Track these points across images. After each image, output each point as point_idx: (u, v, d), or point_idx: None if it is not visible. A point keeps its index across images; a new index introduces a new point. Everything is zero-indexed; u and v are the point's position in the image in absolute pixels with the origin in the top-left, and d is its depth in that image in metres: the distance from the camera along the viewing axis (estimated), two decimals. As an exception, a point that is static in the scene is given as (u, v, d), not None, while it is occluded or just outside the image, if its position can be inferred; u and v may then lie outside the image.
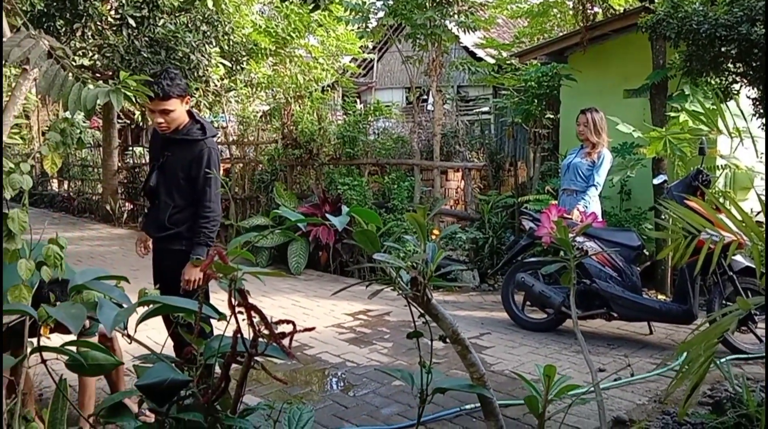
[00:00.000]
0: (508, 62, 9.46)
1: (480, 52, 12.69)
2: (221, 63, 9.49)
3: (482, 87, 12.91)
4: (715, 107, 3.26)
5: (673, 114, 5.44)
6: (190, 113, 3.39)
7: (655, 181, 5.68)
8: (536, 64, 8.30)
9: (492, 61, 10.15)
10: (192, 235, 3.30)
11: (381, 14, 8.45)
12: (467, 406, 3.42)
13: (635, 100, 6.46)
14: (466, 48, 13.13)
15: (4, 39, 2.93)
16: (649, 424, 3.19)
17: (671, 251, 2.66)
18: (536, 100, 7.85)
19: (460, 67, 8.95)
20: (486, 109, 12.44)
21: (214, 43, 9.25)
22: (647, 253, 5.65)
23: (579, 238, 4.61)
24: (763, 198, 4.46)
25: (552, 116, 7.84)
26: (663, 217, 4.82)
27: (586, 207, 5.17)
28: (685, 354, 2.42)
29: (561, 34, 9.01)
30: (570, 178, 5.49)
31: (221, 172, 3.48)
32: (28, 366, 1.36)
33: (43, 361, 1.26)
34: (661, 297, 5.75)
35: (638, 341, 4.86)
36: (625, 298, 4.72)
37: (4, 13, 3.18)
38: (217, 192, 3.32)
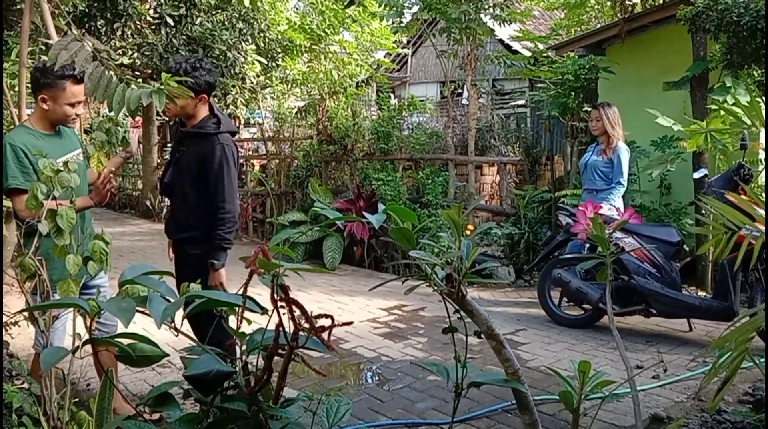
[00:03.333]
0: (545, 55, 9.36)
1: (516, 45, 12.58)
2: (257, 60, 9.62)
3: (518, 80, 12.81)
4: (758, 100, 3.20)
5: (714, 107, 5.33)
6: (210, 109, 3.23)
7: (696, 176, 5.57)
8: (573, 57, 8.20)
9: (528, 53, 10.07)
10: (209, 239, 3.10)
11: (415, 9, 8.46)
12: (503, 404, 3.43)
13: (675, 93, 6.33)
14: (501, 41, 13.02)
15: (52, 41, 3.04)
16: (687, 422, 3.15)
17: (711, 247, 2.62)
18: (573, 93, 7.76)
19: (496, 60, 8.90)
20: (522, 102, 12.34)
21: (250, 41, 9.38)
22: (687, 249, 5.55)
23: (616, 234, 4.56)
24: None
25: (589, 109, 7.74)
26: (703, 212, 4.73)
27: (611, 207, 5.14)
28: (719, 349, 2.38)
29: (599, 25, 8.89)
30: (589, 177, 5.49)
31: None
32: (80, 357, 1.42)
33: (94, 353, 1.32)
34: (701, 293, 5.65)
35: (677, 338, 4.79)
36: (664, 295, 4.65)
37: (50, 15, 3.30)
38: (232, 191, 3.12)
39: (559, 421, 3.26)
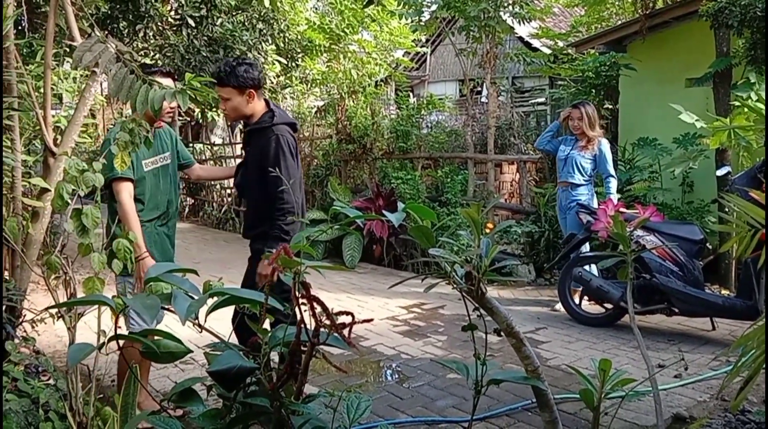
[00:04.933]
0: (565, 52, 9.31)
1: (535, 43, 12.51)
2: (277, 60, 9.68)
3: (538, 78, 12.75)
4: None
5: (737, 103, 5.26)
6: (267, 103, 3.22)
7: (719, 173, 5.51)
8: (594, 54, 8.14)
9: (548, 51, 10.01)
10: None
11: (434, 7, 8.45)
12: (523, 402, 3.43)
13: (697, 89, 6.26)
14: (521, 38, 12.96)
15: (76, 43, 3.09)
16: (710, 422, 3.12)
17: (735, 245, 2.59)
18: (594, 91, 7.71)
19: (515, 58, 8.86)
20: (542, 100, 12.27)
21: (270, 41, 9.44)
22: (710, 247, 5.50)
23: (638, 232, 4.53)
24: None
25: (611, 107, 7.67)
26: (726, 210, 4.68)
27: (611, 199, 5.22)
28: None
29: (619, 22, 8.80)
30: (568, 171, 5.48)
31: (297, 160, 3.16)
32: (105, 353, 1.45)
33: (120, 349, 1.35)
34: (724, 292, 5.58)
35: (700, 337, 4.74)
36: (686, 293, 4.60)
37: (74, 18, 3.35)
38: (291, 181, 2.99)
39: (579, 419, 3.25)
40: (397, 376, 4.07)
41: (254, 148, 3.18)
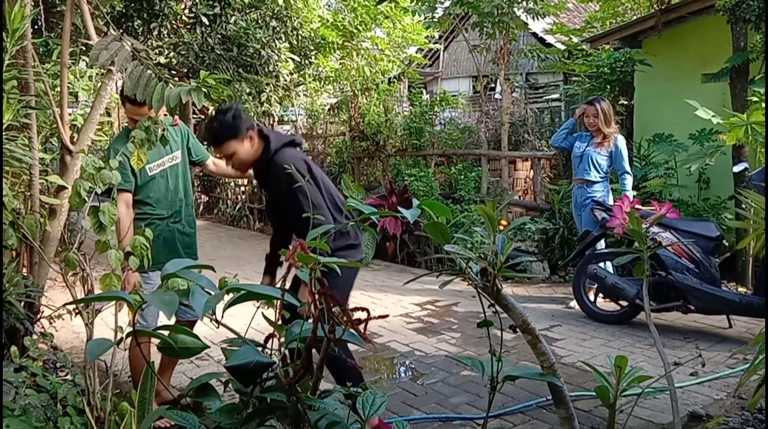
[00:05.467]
0: (579, 48, 9.24)
1: (550, 38, 12.44)
2: (290, 58, 9.69)
3: (552, 74, 12.68)
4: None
5: (754, 99, 5.20)
6: (260, 134, 3.02)
7: (735, 169, 5.46)
8: (609, 49, 8.08)
9: (562, 47, 9.94)
10: None
11: (447, 3, 8.42)
12: (538, 399, 3.42)
13: (714, 85, 6.20)
14: (535, 34, 12.88)
15: (92, 42, 3.12)
16: (727, 420, 3.10)
17: (752, 241, 2.57)
18: (609, 86, 7.66)
19: (529, 54, 8.82)
20: (556, 96, 12.20)
21: (283, 39, 9.45)
22: (727, 244, 5.44)
23: (653, 229, 4.50)
24: None
25: (625, 102, 7.62)
26: (743, 206, 4.64)
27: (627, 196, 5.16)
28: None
29: (634, 17, 8.73)
30: (584, 168, 5.44)
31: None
32: (124, 348, 1.47)
33: (138, 345, 1.37)
34: (741, 289, 5.52)
35: (716, 335, 4.70)
36: (702, 291, 4.56)
37: (90, 17, 3.38)
38: (316, 196, 2.87)
39: (594, 417, 3.24)
40: (410, 372, 4.08)
41: (270, 185, 3.05)
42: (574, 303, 5.37)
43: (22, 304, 3.08)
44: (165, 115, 3.27)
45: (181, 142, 3.44)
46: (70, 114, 3.90)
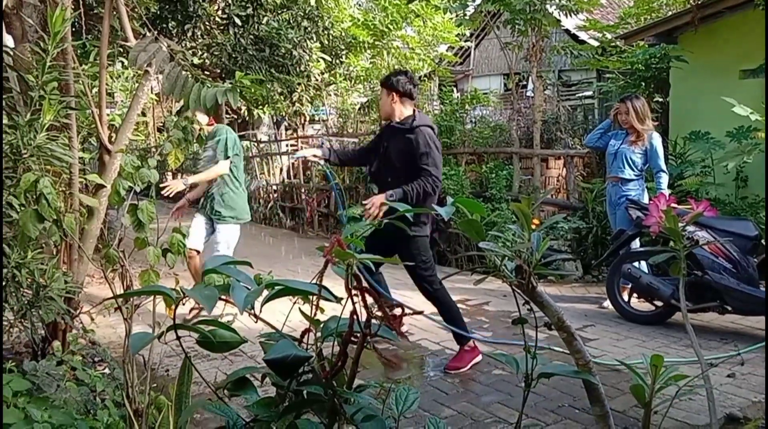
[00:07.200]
0: (613, 44, 9.12)
1: (582, 35, 12.29)
2: (321, 58, 9.77)
3: (585, 71, 12.52)
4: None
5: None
6: (407, 105, 4.03)
7: (775, 167, 5.32)
8: (643, 46, 7.96)
9: (595, 43, 9.83)
10: (416, 219, 3.80)
11: (479, 1, 8.39)
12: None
13: (753, 81, 6.06)
14: (567, 31, 12.74)
15: (129, 44, 3.19)
16: (765, 422, 3.03)
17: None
18: (644, 83, 7.54)
19: (562, 51, 8.74)
20: (589, 93, 12.07)
21: (314, 39, 9.52)
22: (765, 244, 5.32)
23: (690, 228, 4.42)
24: None
25: (661, 100, 7.50)
26: (784, 205, 4.53)
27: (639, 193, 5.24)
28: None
29: (670, 13, 8.58)
30: (618, 166, 5.36)
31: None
32: (163, 342, 1.50)
33: (178, 338, 1.40)
34: (781, 290, 5.40)
35: (754, 336, 4.60)
36: (740, 291, 4.47)
37: (127, 19, 3.45)
38: (437, 164, 3.86)
39: (629, 417, 3.20)
40: (441, 371, 4.07)
41: (395, 144, 3.99)
42: (607, 303, 5.30)
43: (63, 299, 3.16)
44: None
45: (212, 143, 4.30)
46: (108, 114, 3.99)
